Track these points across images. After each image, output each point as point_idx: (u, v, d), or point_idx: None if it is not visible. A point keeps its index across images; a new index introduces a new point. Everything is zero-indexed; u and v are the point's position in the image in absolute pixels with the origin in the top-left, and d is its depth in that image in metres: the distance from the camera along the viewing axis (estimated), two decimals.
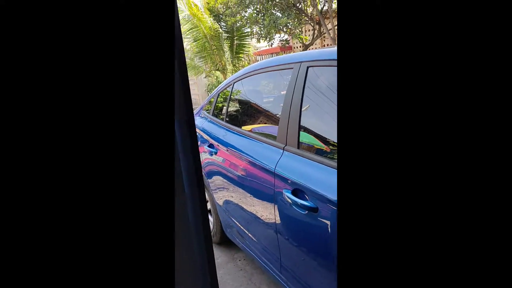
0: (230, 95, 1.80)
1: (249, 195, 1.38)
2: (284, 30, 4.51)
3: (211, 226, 2.05)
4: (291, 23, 4.38)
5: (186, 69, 0.51)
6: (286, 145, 1.21)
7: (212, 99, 2.04)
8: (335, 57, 1.08)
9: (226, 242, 2.01)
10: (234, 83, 1.78)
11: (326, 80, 1.15)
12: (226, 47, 6.37)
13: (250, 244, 1.50)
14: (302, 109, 1.17)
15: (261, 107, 1.64)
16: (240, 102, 1.80)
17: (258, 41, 5.92)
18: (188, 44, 6.34)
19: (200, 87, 8.73)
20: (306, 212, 1.01)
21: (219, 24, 6.24)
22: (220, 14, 6.08)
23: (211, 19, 5.92)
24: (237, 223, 1.58)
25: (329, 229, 0.93)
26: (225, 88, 1.88)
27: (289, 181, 1.11)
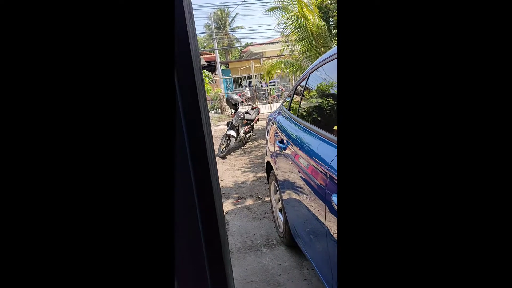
0: (304, 88, 1.66)
1: (306, 196, 1.23)
2: None
3: (281, 225, 1.97)
4: None
5: (201, 69, 0.51)
6: None
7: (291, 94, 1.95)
8: None
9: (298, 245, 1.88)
10: (309, 74, 1.64)
11: None
12: (334, 45, 6.07)
13: (310, 253, 1.34)
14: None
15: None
16: (314, 94, 1.64)
17: None
18: (294, 44, 6.38)
19: None
20: None
21: (328, 21, 6.00)
22: (330, 10, 5.83)
23: (317, 17, 5.76)
24: (298, 227, 1.45)
25: None
26: (301, 81, 1.75)
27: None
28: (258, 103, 10.07)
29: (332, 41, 6.01)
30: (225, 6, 24.83)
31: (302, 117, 1.59)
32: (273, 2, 6.25)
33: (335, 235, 0.95)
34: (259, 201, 2.87)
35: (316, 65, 1.54)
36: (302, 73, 6.49)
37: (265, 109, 9.25)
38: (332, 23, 5.99)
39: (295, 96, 1.85)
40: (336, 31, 6.08)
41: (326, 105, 1.35)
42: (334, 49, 1.39)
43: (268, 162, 2.10)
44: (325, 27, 5.75)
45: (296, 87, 1.85)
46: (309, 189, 1.18)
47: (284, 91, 14.48)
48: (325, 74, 1.42)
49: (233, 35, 26.19)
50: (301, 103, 1.68)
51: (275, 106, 10.14)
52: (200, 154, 0.51)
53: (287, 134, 1.62)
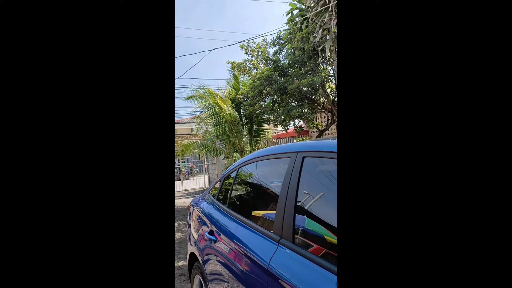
0: (234, 181, 1.81)
1: None
2: (298, 118, 4.83)
3: None
4: (304, 112, 4.70)
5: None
6: (281, 238, 1.13)
7: (218, 184, 2.05)
8: (330, 149, 1.09)
9: None
10: (239, 168, 1.81)
11: (323, 169, 1.14)
12: (245, 132, 6.80)
13: None
14: (316, 197, 1.12)
15: (266, 193, 1.61)
16: (245, 188, 1.80)
17: (275, 126, 6.29)
18: (210, 127, 6.89)
19: (219, 167, 9.00)
20: None
21: (240, 111, 6.83)
22: (241, 103, 6.71)
23: (231, 107, 6.51)
24: None
25: None
26: (230, 173, 1.90)
27: (281, 283, 0.99)
28: None
29: (243, 128, 6.75)
30: None
31: (233, 209, 1.68)
32: (191, 90, 6.82)
33: None
34: None
35: (247, 161, 1.74)
36: (216, 154, 6.75)
37: (177, 187, 8.91)
38: (243, 113, 6.85)
39: (223, 187, 1.97)
40: (246, 120, 6.92)
41: (261, 201, 1.50)
42: (265, 149, 1.63)
43: (192, 253, 2.00)
44: (237, 116, 6.51)
45: (225, 179, 1.98)
46: (247, 284, 1.20)
47: (195, 167, 14.48)
48: (258, 170, 1.61)
49: None
50: (232, 195, 1.79)
51: (186, 184, 9.89)
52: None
53: (218, 226, 1.66)
